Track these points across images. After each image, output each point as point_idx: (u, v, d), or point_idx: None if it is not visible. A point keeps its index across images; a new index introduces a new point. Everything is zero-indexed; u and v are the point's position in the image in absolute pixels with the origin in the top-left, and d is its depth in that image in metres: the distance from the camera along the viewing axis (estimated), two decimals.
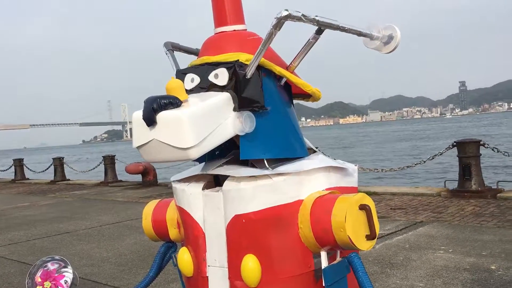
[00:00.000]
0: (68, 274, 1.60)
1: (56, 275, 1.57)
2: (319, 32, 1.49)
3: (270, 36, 1.40)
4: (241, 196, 1.44)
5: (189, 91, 1.54)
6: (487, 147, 8.22)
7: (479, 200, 7.67)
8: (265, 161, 1.55)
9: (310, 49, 1.57)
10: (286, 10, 1.35)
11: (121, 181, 15.47)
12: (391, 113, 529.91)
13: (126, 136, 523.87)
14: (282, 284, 1.47)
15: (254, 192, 1.44)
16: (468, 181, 8.06)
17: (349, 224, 1.39)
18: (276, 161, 1.57)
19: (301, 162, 1.59)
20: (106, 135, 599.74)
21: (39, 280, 1.53)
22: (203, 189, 1.55)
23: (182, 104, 1.36)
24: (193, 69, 1.58)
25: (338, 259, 1.54)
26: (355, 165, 1.83)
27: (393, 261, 4.74)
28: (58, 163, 17.60)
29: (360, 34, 1.55)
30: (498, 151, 8.41)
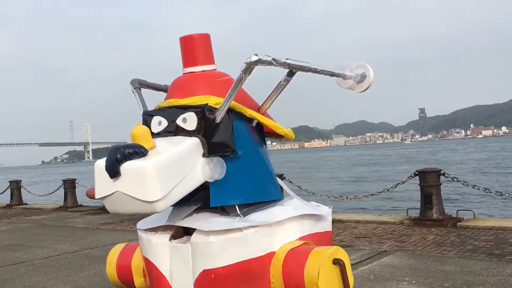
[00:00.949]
0: None
1: None
2: (290, 74, 1.48)
3: (240, 80, 1.38)
4: (209, 250, 1.39)
5: (156, 135, 1.50)
6: (447, 177, 8.45)
7: (440, 228, 7.83)
8: (237, 207, 1.51)
9: (282, 91, 1.55)
10: (256, 55, 1.34)
11: (81, 205, 15.00)
12: (354, 137, 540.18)
13: (88, 157, 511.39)
14: None
15: (223, 246, 1.39)
16: (429, 209, 8.23)
17: (322, 280, 1.36)
18: (249, 205, 1.53)
19: (273, 209, 1.55)
20: (66, 156, 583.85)
21: None
22: (170, 239, 1.49)
23: (148, 153, 1.31)
24: (160, 111, 1.54)
25: None
26: (329, 207, 1.81)
27: (390, 277, 4.75)
28: (15, 186, 16.95)
29: (332, 74, 1.55)
30: (457, 181, 8.66)
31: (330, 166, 55.60)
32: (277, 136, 1.78)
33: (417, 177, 8.49)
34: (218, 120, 1.42)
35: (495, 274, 5.16)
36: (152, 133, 1.50)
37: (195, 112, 1.45)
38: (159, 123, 1.52)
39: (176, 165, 1.34)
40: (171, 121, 1.49)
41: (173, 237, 1.52)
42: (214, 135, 1.43)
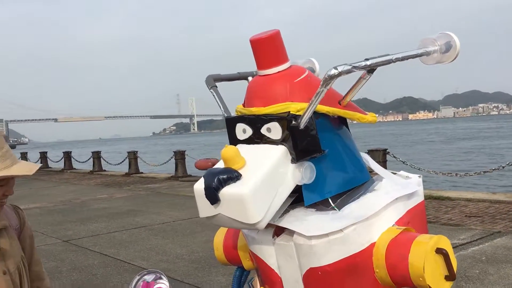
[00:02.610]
0: (163, 285, 1.72)
1: (154, 286, 1.70)
2: (371, 71, 1.46)
3: (319, 94, 1.38)
4: (313, 252, 1.46)
5: (241, 141, 1.55)
6: None
7: None
8: (330, 200, 1.55)
9: (363, 86, 1.53)
10: (335, 68, 1.34)
11: (190, 175, 15.97)
12: (465, 109, 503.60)
13: (193, 129, 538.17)
14: None
15: (326, 247, 1.45)
16: None
17: (428, 272, 1.38)
18: (340, 195, 1.56)
19: (366, 198, 1.56)
20: (174, 128, 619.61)
21: None
22: (273, 236, 1.57)
23: (242, 176, 1.38)
24: (243, 119, 1.55)
25: None
26: (419, 177, 1.78)
27: (469, 274, 4.59)
28: (133, 157, 18.50)
29: (416, 55, 1.49)
30: None
31: (436, 139, 52.63)
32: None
33: None
34: (302, 126, 1.44)
35: None
36: (238, 140, 1.58)
37: (278, 122, 1.49)
38: (243, 130, 1.55)
39: (270, 180, 1.41)
40: (256, 129, 1.53)
41: (275, 233, 1.60)
42: (300, 141, 1.45)
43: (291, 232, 1.52)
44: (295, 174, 1.44)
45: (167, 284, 1.72)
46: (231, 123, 1.59)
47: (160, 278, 1.74)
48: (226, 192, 1.36)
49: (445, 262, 1.42)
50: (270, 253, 1.56)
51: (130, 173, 18.05)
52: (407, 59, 1.48)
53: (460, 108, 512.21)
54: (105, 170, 20.63)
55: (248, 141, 1.52)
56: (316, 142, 1.45)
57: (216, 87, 1.86)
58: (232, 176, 1.36)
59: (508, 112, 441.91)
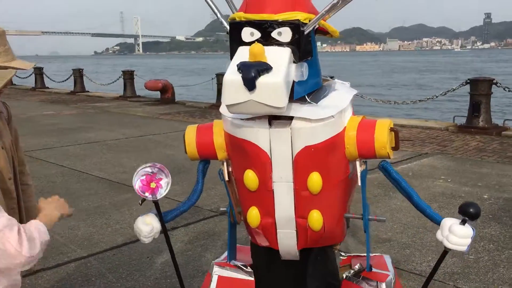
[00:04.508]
0: (165, 177, 1.98)
1: (156, 178, 1.95)
2: None
3: (335, 5, 1.70)
4: (313, 132, 1.85)
5: (248, 43, 1.83)
6: (499, 86, 8.47)
7: (484, 136, 8.07)
8: (306, 96, 1.92)
9: (344, 5, 1.85)
10: None
11: (139, 96, 15.92)
12: (410, 42, 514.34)
13: (138, 50, 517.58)
14: (333, 187, 1.97)
15: (322, 128, 1.85)
16: (476, 118, 8.41)
17: (388, 143, 1.86)
18: (310, 93, 1.95)
19: (336, 95, 1.97)
20: (118, 48, 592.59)
21: (145, 183, 1.92)
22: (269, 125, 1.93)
23: (272, 68, 1.67)
24: (251, 23, 1.83)
25: (363, 166, 2.02)
26: (348, 83, 2.24)
27: None
28: (78, 75, 18.01)
29: None
30: (509, 90, 8.66)
31: (377, 71, 54.37)
32: (325, 34, 2.11)
33: (468, 85, 8.55)
34: (306, 32, 1.77)
35: None
36: (244, 42, 1.85)
37: (290, 27, 1.78)
38: (251, 34, 1.79)
39: (288, 74, 1.74)
40: (265, 33, 1.80)
41: (269, 123, 1.94)
42: (303, 45, 1.78)
43: (283, 120, 1.86)
44: (297, 73, 1.77)
45: (169, 178, 1.96)
46: (237, 26, 1.79)
47: (162, 170, 1.97)
48: (263, 80, 1.64)
49: (395, 137, 1.90)
50: (265, 139, 1.91)
51: (75, 91, 17.66)
52: None
53: (406, 42, 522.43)
54: (48, 88, 19.98)
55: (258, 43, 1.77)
56: (311, 46, 1.80)
57: None
58: (266, 67, 1.65)
59: (449, 47, 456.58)
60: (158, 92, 14.55)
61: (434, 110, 17.47)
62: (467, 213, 1.81)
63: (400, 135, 8.57)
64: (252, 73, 1.62)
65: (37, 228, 1.52)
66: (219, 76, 12.79)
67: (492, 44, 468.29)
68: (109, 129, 9.45)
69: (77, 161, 6.70)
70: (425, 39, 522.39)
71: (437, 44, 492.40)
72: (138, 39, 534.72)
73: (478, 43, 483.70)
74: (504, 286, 3.08)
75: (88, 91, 17.89)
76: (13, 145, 2.09)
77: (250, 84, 1.63)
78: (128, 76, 15.92)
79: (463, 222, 1.82)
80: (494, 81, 8.36)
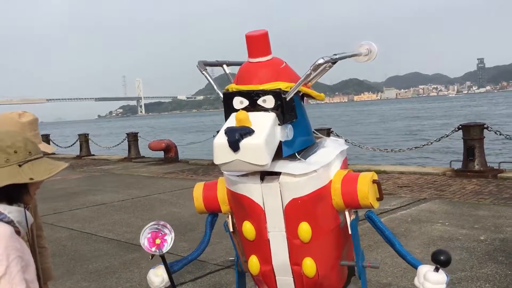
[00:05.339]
0: (168, 233, 2.20)
1: (161, 234, 2.17)
2: (334, 63, 2.10)
3: (308, 76, 2.02)
4: (298, 186, 2.09)
5: (237, 110, 2.13)
6: (491, 131, 8.77)
7: (481, 179, 8.27)
8: (296, 154, 2.19)
9: (325, 73, 2.17)
10: (322, 58, 1.98)
11: (143, 157, 16.27)
12: (406, 90, 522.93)
13: (141, 112, 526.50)
14: (323, 236, 2.18)
15: (306, 182, 2.10)
16: (471, 161, 8.65)
17: (370, 194, 2.11)
18: (301, 151, 2.22)
19: (322, 151, 2.24)
20: (121, 110, 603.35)
21: (151, 240, 2.12)
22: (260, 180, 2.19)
23: (254, 132, 1.96)
24: (240, 93, 2.14)
25: (353, 216, 2.25)
26: (342, 138, 2.51)
27: (395, 232, 5.41)
28: (84, 139, 18.48)
29: (360, 54, 2.16)
30: (500, 134, 8.95)
31: (376, 120, 55.16)
32: (313, 98, 2.42)
33: (461, 130, 8.86)
34: (288, 99, 2.07)
35: None
36: (235, 109, 2.16)
37: (273, 95, 2.10)
38: (240, 102, 2.10)
39: (271, 135, 2.00)
40: (252, 101, 2.12)
41: (262, 179, 2.22)
42: (286, 109, 2.08)
43: (274, 176, 2.12)
44: (282, 134, 2.05)
45: (172, 233, 2.19)
46: (229, 96, 2.11)
47: (165, 227, 2.21)
48: (245, 142, 1.92)
49: (378, 188, 2.14)
50: (258, 193, 2.16)
51: (81, 156, 18.05)
52: (356, 55, 2.14)
53: (402, 90, 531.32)
54: (54, 154, 20.40)
55: (244, 110, 2.08)
56: (294, 110, 2.09)
57: (206, 69, 2.41)
58: (248, 131, 1.93)
59: (446, 93, 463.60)
60: (162, 152, 14.91)
61: (432, 154, 17.75)
62: (439, 261, 1.97)
63: (399, 182, 8.77)
64: (235, 136, 1.92)
65: None
66: None
67: (488, 87, 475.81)
68: (115, 191, 9.69)
69: (85, 223, 6.90)
70: (421, 86, 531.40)
71: (434, 90, 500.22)
72: (140, 100, 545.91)
73: (474, 88, 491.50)
74: None
75: (93, 155, 18.28)
76: (31, 211, 2.34)
77: (234, 146, 1.90)
78: (132, 138, 16.35)
79: (437, 270, 1.97)
80: (485, 126, 8.67)
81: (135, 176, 11.96)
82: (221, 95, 2.21)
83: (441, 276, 1.98)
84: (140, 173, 12.47)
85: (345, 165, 2.37)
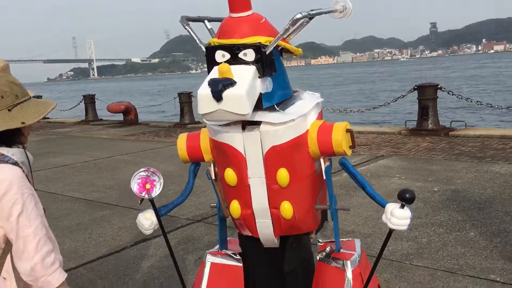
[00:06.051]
0: (158, 179, 2.27)
1: (150, 179, 2.23)
2: (311, 18, 2.20)
3: (287, 30, 2.11)
4: (277, 134, 2.21)
5: (219, 64, 2.22)
6: (444, 91, 9.20)
7: (434, 137, 8.73)
8: (275, 106, 2.31)
9: (302, 28, 2.27)
10: (300, 13, 2.07)
11: (101, 119, 15.96)
12: (362, 54, 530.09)
13: (93, 75, 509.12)
14: (300, 181, 2.32)
15: (285, 130, 2.23)
16: (425, 121, 9.08)
17: (344, 142, 2.25)
18: (280, 103, 2.34)
19: (300, 103, 2.37)
20: (72, 73, 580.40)
21: (141, 185, 2.19)
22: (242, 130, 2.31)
23: (236, 83, 2.05)
24: (222, 47, 2.22)
25: (327, 163, 2.41)
26: (318, 93, 2.65)
27: (356, 186, 5.62)
28: None
29: (335, 11, 2.27)
30: (453, 94, 9.40)
31: (332, 83, 56.07)
32: (291, 52, 2.53)
33: (416, 91, 9.24)
34: (267, 52, 2.17)
35: (473, 171, 6.10)
36: (217, 62, 2.25)
37: (253, 49, 2.19)
38: (222, 55, 2.20)
39: (252, 87, 2.09)
40: (233, 54, 2.20)
41: (243, 128, 2.33)
42: (265, 62, 2.18)
43: (255, 125, 2.22)
44: (262, 87, 2.15)
45: (161, 179, 2.27)
46: (212, 50, 2.16)
47: (154, 173, 2.29)
48: (228, 93, 2.01)
49: (351, 137, 2.29)
50: (239, 141, 2.27)
51: None
52: (332, 12, 2.24)
53: (358, 54, 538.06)
54: None
55: (226, 63, 2.15)
56: (273, 64, 2.18)
57: (189, 25, 2.46)
58: (231, 82, 2.02)
59: (400, 57, 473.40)
60: (121, 115, 14.68)
61: (387, 116, 18.39)
62: (404, 199, 2.11)
63: (357, 141, 9.17)
64: (218, 87, 2.02)
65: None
66: (181, 96, 13.08)
67: (439, 52, 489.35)
68: (76, 153, 9.55)
69: (49, 184, 6.83)
70: (376, 50, 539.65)
71: (388, 54, 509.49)
72: (92, 63, 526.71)
73: (426, 52, 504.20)
74: (452, 261, 3.55)
75: (48, 118, 17.72)
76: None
77: (217, 96, 2.00)
78: (89, 100, 15.96)
79: (402, 206, 2.13)
80: (439, 86, 9.09)
81: (94, 139, 11.78)
82: (204, 49, 2.29)
83: (406, 212, 2.14)
84: (99, 136, 12.28)
85: (320, 116, 2.53)
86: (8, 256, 1.58)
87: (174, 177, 6.36)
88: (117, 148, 9.92)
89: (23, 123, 1.59)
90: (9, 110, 1.59)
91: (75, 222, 5.01)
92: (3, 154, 1.58)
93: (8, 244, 1.57)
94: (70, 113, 18.17)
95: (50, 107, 1.68)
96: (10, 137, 1.62)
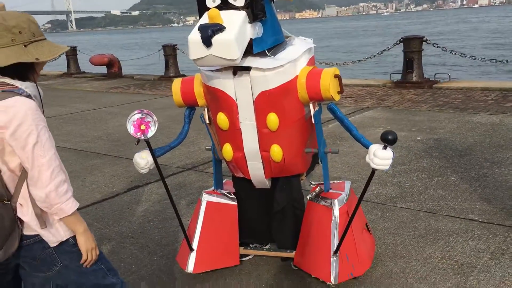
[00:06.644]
0: (152, 120, 2.30)
1: (145, 121, 2.27)
2: None
3: None
4: (266, 79, 2.26)
5: (209, 9, 2.24)
6: (429, 43, 9.25)
7: (418, 90, 8.87)
8: (266, 51, 2.36)
9: None
10: None
11: (84, 72, 15.71)
12: (347, 8, 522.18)
13: (71, 27, 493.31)
14: (289, 125, 2.40)
15: (274, 76, 2.27)
16: (410, 73, 9.18)
17: (332, 88, 2.31)
18: (271, 48, 2.38)
19: (291, 48, 2.41)
20: (49, 25, 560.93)
21: (136, 126, 2.23)
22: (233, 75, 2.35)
23: (226, 28, 2.07)
24: None
25: (317, 108, 2.49)
26: (311, 39, 2.69)
27: (342, 136, 5.84)
28: None
29: None
30: (438, 47, 9.47)
31: (316, 37, 55.49)
32: None
33: (401, 44, 9.28)
34: None
35: (455, 121, 6.28)
36: (208, 8, 2.26)
37: None
38: (213, 1, 2.21)
39: (242, 32, 2.12)
40: (223, 0, 2.21)
41: (234, 74, 2.37)
42: (256, 7, 2.19)
43: (245, 71, 2.27)
44: (252, 32, 2.18)
45: (156, 120, 2.32)
46: None
47: (149, 115, 2.32)
48: (217, 38, 2.05)
49: (339, 82, 2.36)
50: (230, 86, 2.33)
51: None
52: None
53: (343, 7, 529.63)
54: None
55: (216, 8, 2.17)
56: (263, 9, 2.21)
57: None
58: (220, 27, 2.05)
59: (385, 11, 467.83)
60: (104, 67, 14.45)
61: (372, 69, 18.46)
62: (387, 140, 2.13)
63: (344, 93, 9.23)
64: (208, 32, 2.06)
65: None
66: (166, 48, 12.88)
67: (424, 6, 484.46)
68: (60, 105, 9.47)
69: None
70: (361, 4, 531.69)
71: (373, 8, 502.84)
72: (70, 15, 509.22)
73: (411, 6, 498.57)
74: (433, 203, 3.74)
75: None
76: None
77: (206, 42, 2.05)
78: (71, 53, 15.63)
79: (385, 147, 2.18)
80: (424, 39, 9.13)
81: (78, 91, 11.65)
82: None
83: (389, 153, 2.18)
84: (83, 88, 12.14)
85: (312, 62, 2.58)
86: (24, 184, 1.65)
87: (163, 128, 6.41)
88: (102, 100, 9.85)
89: (37, 59, 1.64)
90: (25, 45, 1.64)
91: (67, 169, 5.06)
92: (17, 87, 1.63)
93: (24, 172, 1.64)
94: (51, 66, 17.77)
95: (63, 50, 1.75)
96: (24, 72, 1.67)
